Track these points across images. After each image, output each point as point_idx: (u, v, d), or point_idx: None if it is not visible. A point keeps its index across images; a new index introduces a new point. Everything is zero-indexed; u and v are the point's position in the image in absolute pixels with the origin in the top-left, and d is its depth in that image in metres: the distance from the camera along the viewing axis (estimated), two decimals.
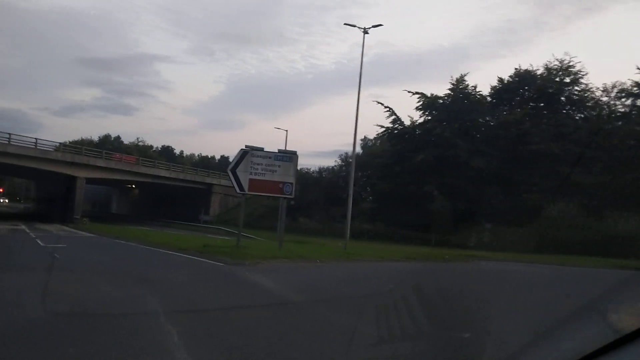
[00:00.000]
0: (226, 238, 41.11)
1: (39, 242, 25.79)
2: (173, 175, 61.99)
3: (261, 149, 21.94)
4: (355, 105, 35.01)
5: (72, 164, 50.98)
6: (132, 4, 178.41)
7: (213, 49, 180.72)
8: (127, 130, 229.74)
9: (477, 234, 45.49)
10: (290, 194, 22.25)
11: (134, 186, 78.41)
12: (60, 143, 50.64)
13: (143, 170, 57.89)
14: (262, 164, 21.79)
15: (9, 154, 45.25)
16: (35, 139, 47.91)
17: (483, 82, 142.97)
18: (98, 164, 53.07)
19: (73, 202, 51.87)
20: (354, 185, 66.07)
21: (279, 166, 21.93)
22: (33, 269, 14.63)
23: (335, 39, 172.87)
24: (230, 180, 22.12)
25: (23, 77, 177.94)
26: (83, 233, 37.28)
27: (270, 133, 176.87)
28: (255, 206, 66.75)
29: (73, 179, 51.83)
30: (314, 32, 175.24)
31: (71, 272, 14.50)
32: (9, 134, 45.55)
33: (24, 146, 46.73)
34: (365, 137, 75.41)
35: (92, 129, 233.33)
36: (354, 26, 26.79)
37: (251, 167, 21.70)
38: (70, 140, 77.91)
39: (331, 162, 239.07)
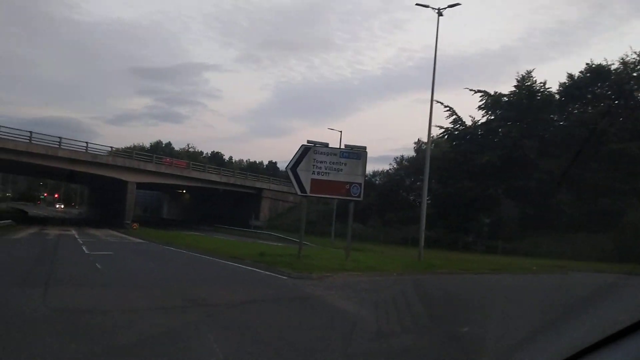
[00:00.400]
0: (279, 244, 38.59)
1: (84, 248, 23.78)
2: (223, 179, 60.09)
3: (325, 145, 19.12)
4: (429, 105, 31.56)
5: (123, 168, 49.65)
6: (182, 14, 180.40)
7: (260, 57, 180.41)
8: (178, 138, 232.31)
9: (550, 241, 41.42)
10: (358, 196, 19.31)
11: (184, 191, 77.29)
12: (111, 147, 49.45)
13: (193, 174, 56.18)
14: (326, 162, 18.97)
15: (59, 157, 44.17)
16: (86, 142, 46.94)
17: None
18: (148, 169, 51.63)
19: (124, 207, 50.54)
20: (409, 190, 63.00)
21: (346, 164, 19.04)
22: (66, 284, 12.22)
23: (381, 43, 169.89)
24: (290, 180, 19.42)
25: (78, 87, 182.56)
26: (132, 239, 35.45)
27: (318, 138, 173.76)
28: (307, 210, 64.13)
29: (124, 183, 50.51)
30: (359, 37, 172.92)
31: (111, 288, 12.01)
32: (60, 137, 44.60)
33: (75, 150, 45.61)
34: (419, 139, 71.88)
35: (144, 136, 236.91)
36: (427, 7, 23.63)
37: (314, 165, 18.91)
38: (123, 147, 77.53)
39: (379, 167, 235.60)
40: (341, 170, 18.98)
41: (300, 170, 18.84)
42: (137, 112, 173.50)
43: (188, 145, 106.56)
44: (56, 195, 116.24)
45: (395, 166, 62.16)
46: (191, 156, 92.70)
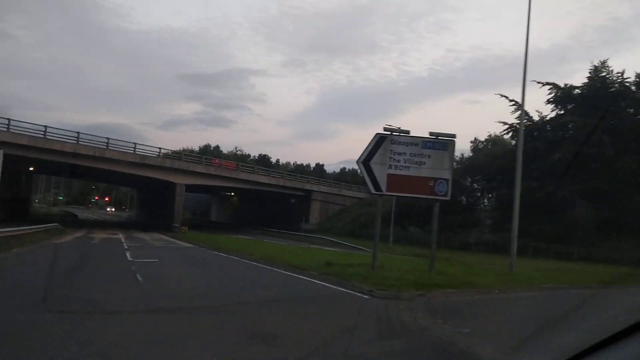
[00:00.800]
0: (335, 250, 35.45)
1: (128, 255, 21.20)
2: (272, 181, 57.45)
3: (405, 133, 15.81)
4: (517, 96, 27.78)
5: (171, 170, 47.59)
6: (229, 20, 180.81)
7: (305, 61, 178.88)
8: (225, 142, 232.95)
9: (632, 247, 36.80)
10: (445, 195, 15.89)
11: (232, 194, 75.27)
12: (159, 148, 47.48)
13: (242, 176, 53.74)
14: (405, 154, 15.65)
15: (106, 159, 42.38)
16: (134, 144, 45.04)
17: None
18: (197, 170, 49.43)
19: (172, 210, 48.49)
20: (468, 192, 58.65)
21: (429, 156, 15.66)
22: (93, 307, 9.33)
23: (427, 45, 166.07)
24: (363, 176, 16.10)
25: (129, 94, 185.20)
26: (180, 243, 32.98)
27: (363, 142, 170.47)
28: (356, 213, 60.88)
29: (172, 185, 48.48)
30: (405, 39, 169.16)
31: (149, 314, 9.05)
32: (107, 138, 42.86)
33: (122, 151, 43.78)
34: (475, 138, 67.43)
35: (192, 141, 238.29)
36: None
37: (391, 158, 15.63)
38: (172, 150, 76.33)
39: None
40: (424, 163, 15.62)
41: (374, 164, 15.60)
42: (185, 117, 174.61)
43: (236, 148, 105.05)
44: (107, 199, 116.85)
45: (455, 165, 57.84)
46: (239, 159, 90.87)
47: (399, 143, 15.61)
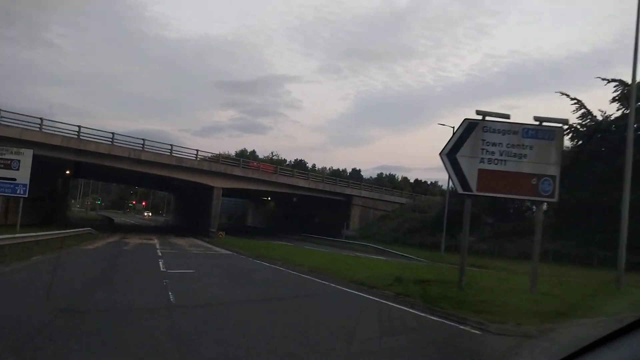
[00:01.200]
0: (383, 258, 32.16)
1: (161, 264, 18.47)
2: (311, 185, 54.51)
3: (504, 117, 12.51)
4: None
5: (209, 173, 45.15)
6: (266, 27, 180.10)
7: (340, 67, 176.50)
8: (260, 148, 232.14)
9: None
10: (551, 195, 12.51)
11: (269, 198, 72.69)
12: (197, 150, 45.07)
13: (281, 180, 50.97)
14: (501, 145, 12.34)
15: (142, 161, 40.14)
16: (171, 145, 42.74)
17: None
18: (235, 173, 46.85)
19: (209, 215, 46.01)
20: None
21: (531, 147, 12.31)
22: (100, 340, 6.36)
23: (466, 50, 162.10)
24: (447, 171, 12.80)
25: (168, 101, 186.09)
26: (218, 249, 30.25)
27: (398, 147, 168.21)
28: (399, 220, 57.37)
29: (209, 189, 46.03)
30: (443, 44, 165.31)
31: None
32: (143, 139, 40.63)
33: (158, 153, 41.49)
34: None
35: (228, 147, 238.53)
36: None
37: (483, 149, 12.37)
38: (210, 153, 74.14)
39: None
40: (524, 156, 12.28)
41: (461, 156, 12.34)
42: (222, 123, 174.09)
43: (272, 153, 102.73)
44: (144, 203, 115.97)
45: None
46: (275, 164, 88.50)
47: (494, 131, 12.34)
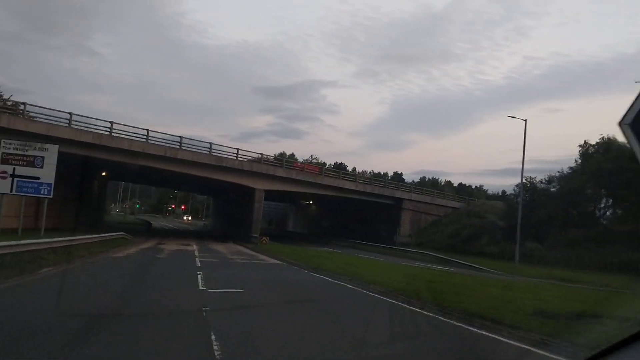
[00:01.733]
0: (455, 270, 27.54)
1: (199, 279, 14.51)
2: (359, 187, 50.17)
3: None
4: None
5: (250, 174, 41.39)
6: (302, 32, 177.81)
7: (377, 71, 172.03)
8: (298, 153, 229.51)
9: None
10: None
11: (310, 202, 68.72)
12: (237, 149, 41.24)
13: (326, 181, 46.86)
14: None
15: (179, 160, 36.64)
16: (210, 144, 39.07)
17: None
18: (278, 174, 42.97)
19: (250, 219, 42.22)
20: (594, 202, 48.76)
21: None
22: None
23: (505, 52, 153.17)
24: (631, 146, 8.27)
25: (206, 107, 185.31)
26: (264, 258, 26.23)
27: (437, 152, 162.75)
28: (455, 225, 52.38)
29: (251, 191, 42.26)
30: (481, 47, 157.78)
31: None
32: (180, 137, 37.16)
33: (196, 152, 37.92)
34: (585, 142, 56.48)
35: (266, 152, 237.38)
36: None
37: None
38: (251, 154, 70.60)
39: (503, 181, 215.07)
40: None
41: None
42: (259, 129, 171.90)
43: (311, 156, 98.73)
44: (183, 207, 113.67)
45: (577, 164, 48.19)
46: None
47: None
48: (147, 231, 51.07)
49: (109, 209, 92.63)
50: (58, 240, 20.13)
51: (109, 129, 33.10)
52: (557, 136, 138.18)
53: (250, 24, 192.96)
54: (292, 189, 45.45)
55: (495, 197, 64.76)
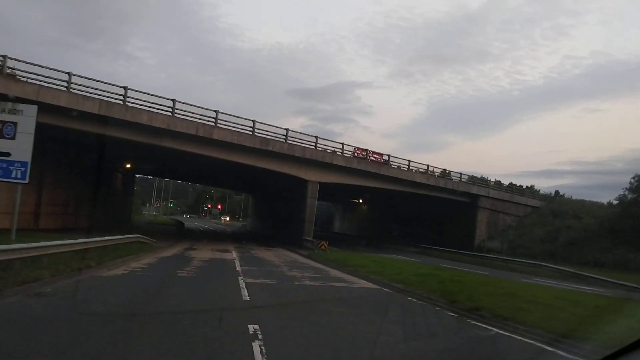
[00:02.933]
0: (600, 291, 17.84)
1: (252, 329, 5.47)
2: (431, 181, 40.53)
3: None
4: None
5: (302, 162, 32.45)
6: (337, 34, 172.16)
7: (412, 72, 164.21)
8: None
9: None
10: None
11: (360, 201, 59.35)
12: (286, 130, 32.03)
13: (393, 173, 37.41)
14: None
15: (214, 142, 27.87)
16: (253, 121, 30.04)
17: None
18: (336, 162, 33.79)
19: (302, 218, 33.25)
20: None
21: None
22: None
23: (543, 52, 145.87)
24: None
25: (241, 109, 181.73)
26: (341, 276, 17.04)
27: (473, 154, 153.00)
28: (549, 227, 42.18)
29: (302, 184, 33.28)
30: (519, 46, 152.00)
31: None
32: (216, 111, 28.25)
33: (238, 131, 28.99)
34: None
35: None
36: None
37: None
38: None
39: (541, 183, 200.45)
40: None
41: None
42: (293, 131, 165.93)
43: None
44: (219, 207, 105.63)
45: None
46: None
47: None
48: (178, 232, 42.59)
49: (140, 209, 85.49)
50: (33, 247, 11.88)
51: (122, 97, 24.51)
52: (598, 137, 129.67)
53: (284, 26, 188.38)
54: (351, 182, 36.17)
55: (548, 197, 53.92)
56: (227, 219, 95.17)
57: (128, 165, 43.85)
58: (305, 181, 33.09)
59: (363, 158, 35.65)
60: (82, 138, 26.70)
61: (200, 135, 27.05)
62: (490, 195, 45.58)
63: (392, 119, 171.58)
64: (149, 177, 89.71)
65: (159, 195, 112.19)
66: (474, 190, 44.25)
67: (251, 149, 29.57)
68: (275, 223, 44.33)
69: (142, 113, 24.95)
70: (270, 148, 30.19)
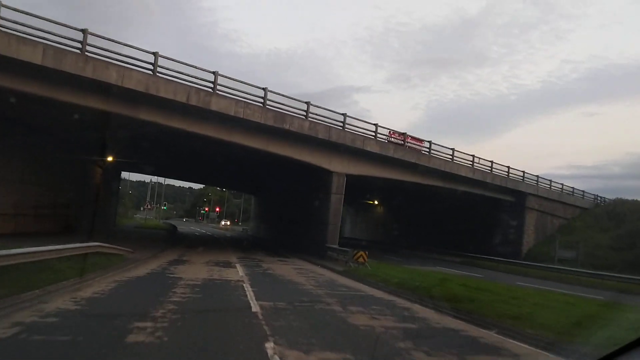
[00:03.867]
0: None
1: None
2: (477, 176, 32.77)
3: None
4: None
5: (326, 146, 24.75)
6: (335, 39, 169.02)
7: (410, 76, 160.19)
8: None
9: None
10: None
11: (376, 202, 51.57)
12: (307, 103, 24.15)
13: (436, 164, 29.69)
14: None
15: (212, 114, 19.96)
16: (264, 89, 22.22)
17: None
18: (368, 148, 25.99)
19: (324, 220, 25.48)
20: None
21: None
22: None
23: (541, 56, 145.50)
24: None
25: None
26: (427, 314, 9.25)
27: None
28: (612, 232, 34.54)
29: (325, 176, 25.57)
30: (517, 50, 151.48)
31: None
32: (215, 72, 20.40)
33: (243, 100, 21.22)
34: None
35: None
36: None
37: None
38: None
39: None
40: None
41: None
42: None
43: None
44: (217, 209, 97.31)
45: None
46: None
47: None
48: (168, 238, 34.68)
49: (130, 212, 77.56)
50: None
51: (79, 44, 16.69)
52: (596, 141, 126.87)
53: (283, 31, 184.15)
54: (383, 175, 28.40)
55: (596, 197, 46.33)
56: (228, 223, 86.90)
57: (109, 159, 35.94)
58: (330, 173, 25.34)
59: (400, 144, 27.87)
60: (28, 109, 18.91)
61: (193, 104, 19.21)
62: (539, 194, 37.88)
63: (390, 123, 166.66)
64: (147, 181, 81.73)
65: (158, 200, 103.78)
66: (523, 187, 36.51)
67: (261, 127, 21.78)
68: (286, 227, 36.40)
69: (109, 68, 17.12)
70: (286, 126, 22.37)
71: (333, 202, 25.38)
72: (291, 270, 17.84)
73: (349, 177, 26.16)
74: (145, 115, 18.80)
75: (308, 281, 14.63)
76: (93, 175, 35.60)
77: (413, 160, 28.28)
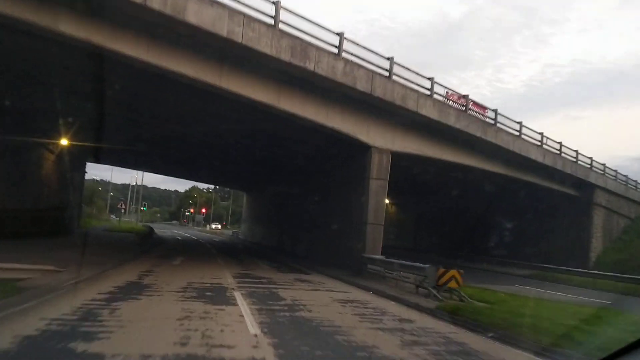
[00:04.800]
0: None
1: None
2: (548, 160, 24.55)
3: None
4: None
5: (362, 106, 16.30)
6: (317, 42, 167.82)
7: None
8: None
9: None
10: None
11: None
12: (341, 35, 15.64)
13: (502, 141, 21.33)
14: None
15: (186, 41, 11.55)
16: (275, 3, 13.90)
17: None
18: (423, 112, 17.61)
19: (357, 219, 17.09)
20: None
21: None
22: None
23: (524, 60, 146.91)
24: None
25: None
26: None
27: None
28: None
29: (360, 154, 17.19)
30: (500, 55, 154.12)
31: None
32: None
33: (243, 12, 12.86)
34: None
35: None
36: None
37: None
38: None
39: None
40: None
41: None
42: None
43: None
44: (203, 211, 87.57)
45: None
46: None
47: None
48: (140, 244, 25.88)
49: (104, 215, 68.33)
50: None
51: None
52: (579, 145, 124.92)
53: None
54: (436, 155, 19.91)
55: None
56: (219, 226, 77.56)
57: (64, 142, 27.01)
58: (368, 148, 16.96)
59: (462, 110, 19.51)
60: None
61: (157, 8, 10.69)
62: (609, 187, 29.87)
63: None
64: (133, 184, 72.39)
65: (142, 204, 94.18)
66: (592, 178, 28.41)
67: (270, 63, 13.33)
68: (295, 229, 27.77)
69: None
70: (310, 65, 13.82)
71: (373, 192, 16.95)
72: (331, 304, 9.52)
73: (398, 154, 17.74)
74: (72, 31, 10.22)
75: (392, 338, 6.19)
76: (45, 164, 26.84)
77: (478, 134, 19.93)
